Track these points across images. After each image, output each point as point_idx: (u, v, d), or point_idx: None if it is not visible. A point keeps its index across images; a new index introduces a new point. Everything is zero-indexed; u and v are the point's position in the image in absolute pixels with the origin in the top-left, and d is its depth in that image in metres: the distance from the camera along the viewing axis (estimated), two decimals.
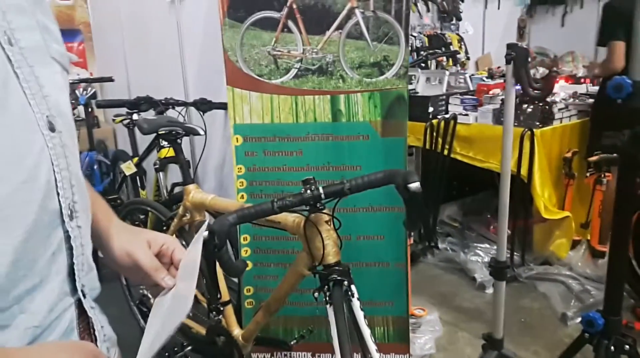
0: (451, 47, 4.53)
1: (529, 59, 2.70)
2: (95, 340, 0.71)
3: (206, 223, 0.74)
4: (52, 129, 0.62)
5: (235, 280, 2.43)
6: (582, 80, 3.82)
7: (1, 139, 0.56)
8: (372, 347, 1.46)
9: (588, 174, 2.98)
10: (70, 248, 0.65)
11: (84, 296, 0.68)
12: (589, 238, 3.10)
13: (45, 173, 0.61)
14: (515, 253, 3.10)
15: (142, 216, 3.12)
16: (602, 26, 3.04)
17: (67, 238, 0.65)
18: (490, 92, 3.24)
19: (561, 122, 3.07)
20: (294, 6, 1.97)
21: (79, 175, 0.69)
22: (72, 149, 0.67)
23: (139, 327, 2.50)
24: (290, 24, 1.99)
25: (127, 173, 3.10)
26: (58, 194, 0.63)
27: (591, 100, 3.26)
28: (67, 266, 0.65)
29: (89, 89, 3.97)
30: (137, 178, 3.15)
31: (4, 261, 0.56)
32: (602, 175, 2.90)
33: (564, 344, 2.23)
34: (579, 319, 2.55)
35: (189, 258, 0.79)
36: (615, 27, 2.91)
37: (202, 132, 2.25)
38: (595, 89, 3.50)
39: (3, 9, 0.59)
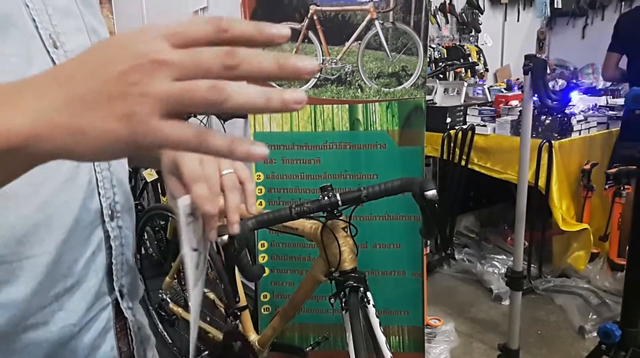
0: (470, 58, 4.53)
1: (548, 71, 2.73)
2: (132, 340, 0.71)
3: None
4: None
5: (252, 285, 2.46)
6: (602, 92, 3.81)
7: None
8: (387, 354, 1.48)
9: (607, 186, 2.96)
10: (109, 248, 0.65)
11: (122, 296, 0.68)
12: (607, 250, 3.07)
13: (86, 172, 0.61)
14: (532, 265, 3.08)
15: (162, 222, 3.18)
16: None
17: (107, 237, 0.65)
18: (509, 103, 3.24)
19: (580, 134, 3.06)
20: (315, 17, 2.01)
21: (121, 176, 0.69)
22: None
23: (157, 331, 2.54)
24: (311, 34, 2.03)
25: (149, 179, 3.16)
26: (99, 194, 0.63)
27: (611, 112, 3.26)
28: (106, 266, 0.65)
29: None
30: (158, 184, 3.21)
31: (46, 261, 0.57)
32: (622, 187, 2.88)
33: None
34: (597, 332, 2.53)
35: None
36: (613, 40, 3.22)
37: None
38: (615, 101, 3.50)
39: (49, 12, 0.59)
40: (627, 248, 1.62)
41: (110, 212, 0.65)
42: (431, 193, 1.30)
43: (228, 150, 0.34)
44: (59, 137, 0.35)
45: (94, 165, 0.63)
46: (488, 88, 3.79)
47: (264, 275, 2.13)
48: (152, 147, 0.34)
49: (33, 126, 0.35)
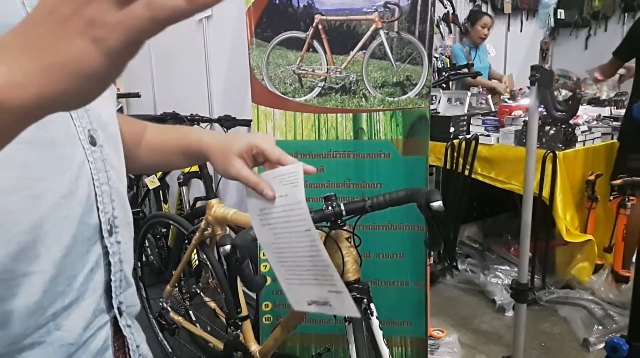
0: (472, 68, 4.53)
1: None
2: None
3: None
4: (93, 143, 0.61)
5: (253, 295, 2.44)
6: (606, 103, 3.80)
7: (44, 153, 0.55)
8: None
9: (612, 197, 2.94)
10: (108, 264, 0.64)
11: (120, 313, 0.67)
12: (612, 262, 3.04)
13: (85, 187, 0.60)
14: (535, 276, 3.06)
15: (164, 230, 3.16)
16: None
17: (106, 253, 0.64)
18: (512, 113, 3.24)
19: (584, 144, 3.04)
20: (320, 27, 2.01)
21: (120, 190, 0.67)
22: (114, 163, 0.66)
23: (157, 340, 2.52)
24: (316, 43, 2.03)
25: (151, 187, 3.15)
26: (98, 209, 0.62)
27: (615, 123, 3.24)
28: (104, 282, 0.64)
29: (116, 104, 4.05)
30: (160, 192, 3.20)
31: (43, 278, 0.55)
32: (627, 199, 2.86)
33: None
34: (601, 345, 2.50)
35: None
36: (622, 45, 3.16)
37: None
38: (619, 112, 3.48)
39: None
40: (635, 260, 1.60)
41: (109, 227, 0.64)
42: (437, 204, 1.28)
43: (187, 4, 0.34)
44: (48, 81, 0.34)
45: (92, 179, 0.61)
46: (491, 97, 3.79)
47: (267, 284, 2.11)
48: (124, 46, 0.34)
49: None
